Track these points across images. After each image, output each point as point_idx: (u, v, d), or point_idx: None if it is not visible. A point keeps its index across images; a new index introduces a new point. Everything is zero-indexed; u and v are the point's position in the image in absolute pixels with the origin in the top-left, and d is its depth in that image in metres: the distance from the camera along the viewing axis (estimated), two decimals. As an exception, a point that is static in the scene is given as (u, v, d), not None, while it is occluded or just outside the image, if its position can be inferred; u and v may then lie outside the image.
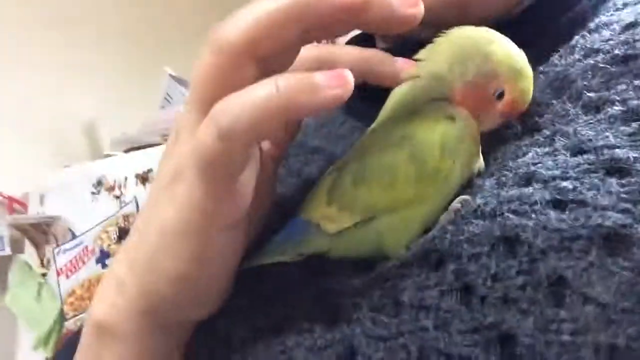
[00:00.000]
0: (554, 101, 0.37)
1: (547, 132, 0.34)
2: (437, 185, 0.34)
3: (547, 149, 0.33)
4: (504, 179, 0.33)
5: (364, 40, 0.55)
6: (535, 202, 0.30)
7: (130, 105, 1.92)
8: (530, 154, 0.33)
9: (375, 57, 0.36)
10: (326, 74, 0.27)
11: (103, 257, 1.46)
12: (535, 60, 0.37)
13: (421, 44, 0.37)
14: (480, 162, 0.36)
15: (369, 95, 0.43)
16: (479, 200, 0.32)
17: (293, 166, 0.51)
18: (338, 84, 0.27)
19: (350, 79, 0.27)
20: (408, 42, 0.39)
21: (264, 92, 0.26)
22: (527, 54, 0.35)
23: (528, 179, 0.31)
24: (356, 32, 0.56)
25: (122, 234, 1.43)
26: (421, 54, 0.37)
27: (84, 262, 1.52)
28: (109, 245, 1.45)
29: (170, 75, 1.81)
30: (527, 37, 0.36)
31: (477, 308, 0.29)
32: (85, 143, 1.98)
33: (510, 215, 0.30)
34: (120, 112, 1.91)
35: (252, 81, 0.27)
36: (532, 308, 0.27)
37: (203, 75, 0.29)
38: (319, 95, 0.26)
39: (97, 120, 1.99)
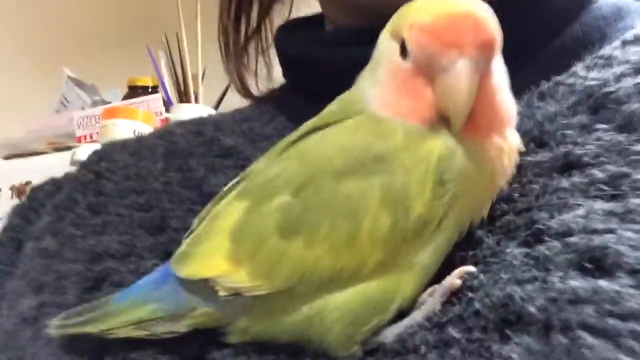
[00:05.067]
0: (598, 126, 0.26)
1: (600, 174, 0.24)
2: (421, 245, 0.22)
3: (610, 205, 0.22)
4: (544, 250, 0.22)
5: (313, 21, 0.44)
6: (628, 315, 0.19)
7: (22, 107, 1.72)
8: (581, 210, 0.23)
9: None
10: None
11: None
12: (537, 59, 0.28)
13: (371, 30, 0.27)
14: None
15: (308, 87, 0.30)
16: (495, 291, 0.21)
17: (195, 172, 0.37)
18: None
19: None
20: (359, 29, 0.31)
21: None
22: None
23: (596, 260, 0.21)
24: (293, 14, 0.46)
25: (-10, 255, 1.22)
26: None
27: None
28: (-27, 267, 1.24)
29: (69, 77, 1.63)
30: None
31: None
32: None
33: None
34: (9, 114, 1.70)
35: None
36: None
37: None
38: None
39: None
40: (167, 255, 0.32)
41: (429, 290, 0.23)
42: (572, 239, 0.22)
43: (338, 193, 0.23)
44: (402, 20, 0.24)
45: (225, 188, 0.27)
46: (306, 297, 0.23)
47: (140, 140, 0.45)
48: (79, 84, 1.62)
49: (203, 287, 0.24)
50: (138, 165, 0.41)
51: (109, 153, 0.44)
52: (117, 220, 0.37)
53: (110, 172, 0.41)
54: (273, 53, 0.46)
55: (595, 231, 0.22)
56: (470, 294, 0.23)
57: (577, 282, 0.20)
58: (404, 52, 0.24)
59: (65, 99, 1.65)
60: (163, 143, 0.43)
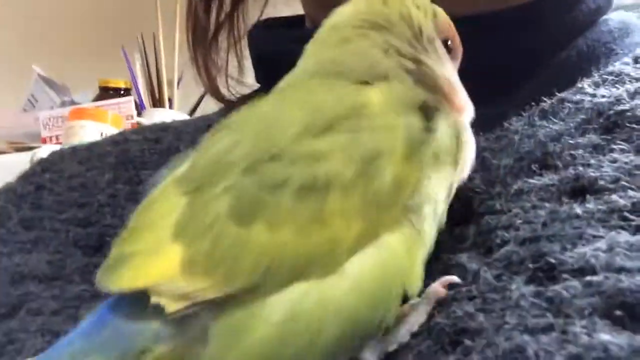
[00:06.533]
0: (614, 146, 0.23)
1: (621, 201, 0.20)
2: (403, 212, 0.20)
3: (639, 239, 0.18)
4: (561, 290, 0.18)
5: (289, 22, 0.40)
6: None
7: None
8: (602, 242, 0.19)
9: None
10: None
11: None
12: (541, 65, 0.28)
13: None
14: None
15: None
16: (500, 340, 0.17)
17: (146, 185, 0.33)
18: None
19: None
20: None
21: None
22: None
23: (629, 307, 0.16)
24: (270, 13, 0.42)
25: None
26: None
27: None
28: None
29: (39, 75, 1.57)
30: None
31: None
32: None
33: None
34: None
35: None
36: None
37: None
38: None
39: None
40: None
41: (409, 303, 0.20)
42: (595, 278, 0.18)
43: (299, 158, 0.19)
44: (440, 18, 0.26)
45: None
46: (280, 296, 0.18)
47: (91, 147, 0.41)
48: (49, 82, 1.56)
49: (151, 317, 0.19)
50: (85, 175, 0.37)
51: (55, 162, 0.40)
52: (51, 236, 0.33)
53: (53, 182, 0.38)
54: (245, 52, 0.41)
55: (623, 269, 0.18)
56: (467, 342, 0.18)
57: (609, 336, 0.16)
58: (448, 48, 0.25)
59: (34, 97, 1.59)
60: (115, 151, 0.39)
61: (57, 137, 1.30)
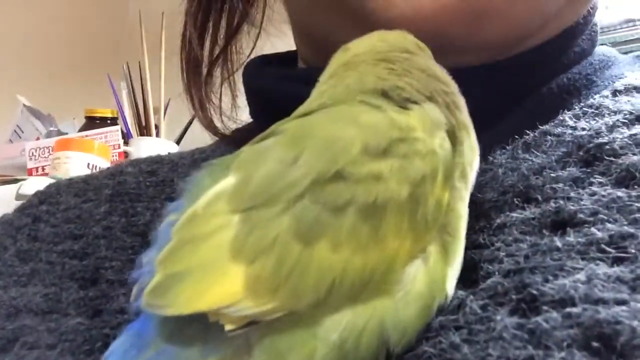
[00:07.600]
0: (592, 180, 0.23)
1: (599, 234, 0.21)
2: (434, 234, 0.21)
3: (616, 270, 0.19)
4: (541, 321, 0.18)
5: (283, 59, 0.41)
6: None
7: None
8: (581, 274, 0.19)
9: None
10: None
11: None
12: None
13: None
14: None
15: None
16: None
17: (141, 217, 0.35)
18: None
19: None
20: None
21: None
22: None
23: (606, 338, 0.17)
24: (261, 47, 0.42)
25: None
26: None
27: None
28: None
29: (25, 106, 1.56)
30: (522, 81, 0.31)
31: None
32: None
33: None
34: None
35: None
36: None
37: None
38: None
39: None
40: (94, 313, 0.29)
41: None
42: (574, 310, 0.18)
43: (361, 178, 0.19)
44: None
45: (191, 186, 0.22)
46: (336, 316, 0.19)
47: (87, 179, 0.42)
48: (35, 113, 1.55)
49: (198, 336, 0.19)
50: (81, 207, 0.38)
51: (52, 194, 0.40)
52: (47, 269, 0.33)
53: (50, 214, 0.38)
54: (238, 84, 0.42)
55: (601, 301, 0.18)
56: None
57: None
58: None
59: (20, 128, 1.58)
60: (111, 183, 0.39)
61: (43, 168, 1.29)
